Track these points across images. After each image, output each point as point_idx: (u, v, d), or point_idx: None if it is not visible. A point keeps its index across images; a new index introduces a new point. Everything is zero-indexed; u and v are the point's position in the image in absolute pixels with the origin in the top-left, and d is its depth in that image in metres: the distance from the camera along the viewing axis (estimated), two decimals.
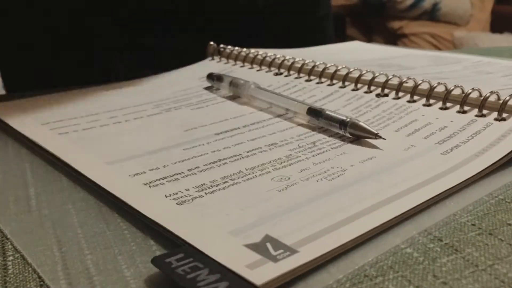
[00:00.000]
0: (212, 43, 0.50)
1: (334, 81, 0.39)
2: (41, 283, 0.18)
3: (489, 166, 0.25)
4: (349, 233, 0.19)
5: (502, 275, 0.17)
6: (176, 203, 0.22)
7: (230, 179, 0.24)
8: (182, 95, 0.40)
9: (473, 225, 0.20)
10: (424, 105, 0.33)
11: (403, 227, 0.20)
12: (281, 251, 0.18)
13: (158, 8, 0.55)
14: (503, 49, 0.62)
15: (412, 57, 0.51)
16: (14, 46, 0.56)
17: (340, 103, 0.35)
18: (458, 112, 0.31)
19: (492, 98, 0.30)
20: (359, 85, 0.37)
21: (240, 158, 0.27)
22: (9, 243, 0.20)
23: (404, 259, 0.18)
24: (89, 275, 0.18)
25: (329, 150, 0.27)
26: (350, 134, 0.29)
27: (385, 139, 0.28)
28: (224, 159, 0.27)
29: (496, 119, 0.29)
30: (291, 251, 0.18)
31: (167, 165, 0.26)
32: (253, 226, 0.20)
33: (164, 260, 0.18)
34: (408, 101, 0.34)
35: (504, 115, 0.29)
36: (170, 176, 0.25)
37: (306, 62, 0.41)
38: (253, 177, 0.24)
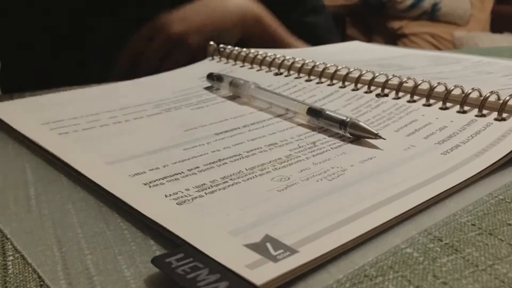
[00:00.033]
0: (212, 43, 0.50)
1: (334, 81, 0.39)
2: (41, 283, 0.18)
3: (489, 166, 0.25)
4: (349, 233, 0.19)
5: (502, 275, 0.17)
6: (176, 203, 0.22)
7: (230, 179, 0.24)
8: (182, 95, 0.40)
9: (473, 225, 0.20)
10: (424, 105, 0.33)
11: (403, 227, 0.20)
12: (281, 251, 0.18)
13: (158, 8, 0.55)
14: (503, 49, 0.62)
15: (412, 57, 0.51)
16: (14, 46, 0.56)
17: (340, 103, 0.35)
18: (458, 112, 0.31)
19: (492, 98, 0.30)
20: (359, 85, 0.37)
21: (240, 158, 0.27)
22: (9, 243, 0.20)
23: (404, 259, 0.18)
24: (89, 275, 0.18)
25: (329, 150, 0.27)
26: (350, 134, 0.29)
27: (385, 139, 0.28)
28: (224, 159, 0.27)
29: (496, 119, 0.29)
30: (291, 251, 0.18)
31: (167, 165, 0.26)
32: (253, 226, 0.20)
33: (164, 260, 0.18)
34: (408, 101, 0.34)
35: (504, 115, 0.29)
36: (170, 176, 0.25)
37: (306, 62, 0.41)
38: (253, 177, 0.24)
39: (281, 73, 0.43)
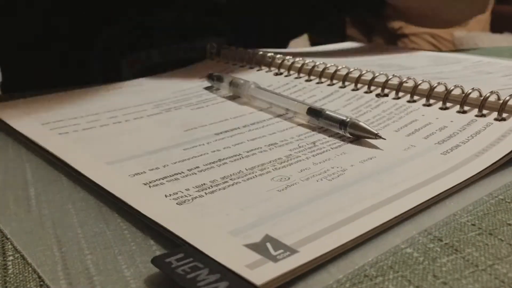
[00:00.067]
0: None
1: (334, 81, 0.39)
2: (41, 283, 0.18)
3: (489, 166, 0.25)
4: (349, 233, 0.19)
5: (502, 275, 0.17)
6: (176, 203, 0.22)
7: (230, 179, 0.24)
8: (182, 95, 0.40)
9: (473, 225, 0.20)
10: (424, 105, 0.33)
11: (403, 227, 0.20)
12: (281, 251, 0.18)
13: (158, 9, 0.55)
14: (503, 49, 0.62)
15: (412, 57, 0.51)
16: (14, 46, 0.56)
17: (340, 103, 0.35)
18: (458, 112, 0.31)
19: (492, 98, 0.30)
20: (359, 85, 0.37)
21: (240, 158, 0.27)
22: (9, 243, 0.20)
23: (404, 259, 0.18)
24: (89, 275, 0.18)
25: (329, 150, 0.27)
26: (350, 134, 0.29)
27: (385, 139, 0.28)
28: (224, 159, 0.27)
29: (496, 119, 0.29)
30: (291, 251, 0.18)
31: (167, 165, 0.26)
32: (253, 226, 0.20)
33: (164, 260, 0.18)
34: (408, 101, 0.34)
35: (504, 115, 0.29)
36: (170, 176, 0.25)
37: (306, 62, 0.41)
38: (253, 177, 0.24)
39: (281, 73, 0.43)
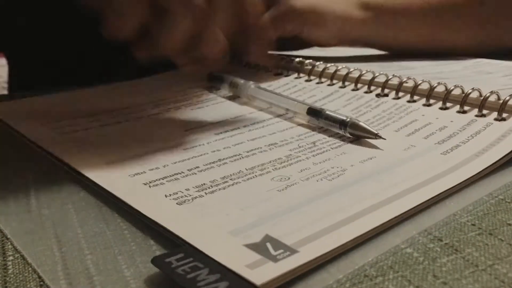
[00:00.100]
0: None
1: (334, 81, 0.39)
2: (41, 283, 0.18)
3: (489, 166, 0.25)
4: (349, 233, 0.19)
5: (502, 275, 0.17)
6: (176, 203, 0.22)
7: (230, 179, 0.24)
8: (182, 95, 0.40)
9: (473, 225, 0.20)
10: (424, 105, 0.33)
11: (403, 227, 0.20)
12: (281, 251, 0.18)
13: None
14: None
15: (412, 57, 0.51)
16: (20, 47, 0.56)
17: (340, 103, 0.35)
18: (458, 112, 0.31)
19: (492, 98, 0.30)
20: (359, 85, 0.37)
21: (240, 158, 0.27)
22: (9, 243, 0.20)
23: (404, 259, 0.18)
24: (89, 275, 0.18)
25: (329, 150, 0.27)
26: (350, 134, 0.29)
27: (385, 139, 0.28)
28: (224, 159, 0.27)
29: (496, 119, 0.29)
30: (291, 251, 0.18)
31: (167, 165, 0.26)
32: (253, 226, 0.20)
33: (164, 260, 0.18)
34: (408, 101, 0.34)
35: (504, 115, 0.29)
36: (170, 176, 0.25)
37: (306, 62, 0.41)
38: (253, 177, 0.24)
39: (281, 73, 0.43)
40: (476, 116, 0.30)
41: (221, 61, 0.35)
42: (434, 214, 0.21)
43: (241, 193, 0.23)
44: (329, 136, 0.30)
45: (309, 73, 0.40)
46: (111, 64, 0.53)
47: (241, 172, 0.25)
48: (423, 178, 0.23)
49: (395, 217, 0.20)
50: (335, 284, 0.17)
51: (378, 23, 0.46)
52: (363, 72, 0.37)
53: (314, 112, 0.31)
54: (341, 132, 0.29)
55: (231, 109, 0.36)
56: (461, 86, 0.32)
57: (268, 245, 0.18)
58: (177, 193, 0.23)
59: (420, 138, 0.28)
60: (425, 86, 0.33)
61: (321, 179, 0.24)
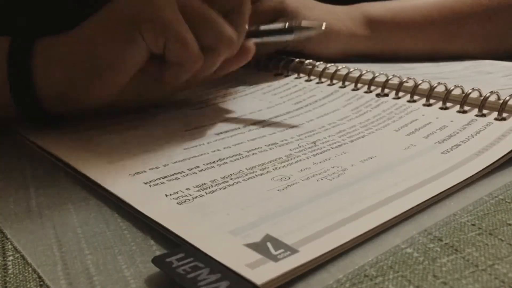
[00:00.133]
0: None
1: (334, 81, 0.39)
2: (41, 283, 0.18)
3: (489, 165, 0.25)
4: (349, 233, 0.19)
5: (502, 275, 0.17)
6: (177, 203, 0.22)
7: (231, 179, 0.24)
8: (182, 95, 0.40)
9: (473, 225, 0.20)
10: (424, 105, 0.33)
11: (403, 227, 0.20)
12: (282, 250, 0.18)
13: None
14: None
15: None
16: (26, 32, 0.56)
17: (340, 103, 0.35)
18: (458, 112, 0.31)
19: (492, 98, 0.30)
20: (359, 85, 0.37)
21: (240, 158, 0.27)
22: (9, 243, 0.20)
23: (404, 259, 0.18)
24: (89, 275, 0.18)
25: (330, 149, 0.27)
26: (296, 36, 0.29)
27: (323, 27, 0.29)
28: (224, 158, 0.27)
29: (496, 119, 0.29)
30: (292, 250, 0.18)
31: (167, 164, 0.26)
32: (254, 225, 0.20)
33: (164, 259, 0.18)
34: (408, 101, 0.34)
35: (504, 114, 0.29)
36: (170, 175, 0.25)
37: (306, 62, 0.41)
38: (254, 176, 0.24)
39: (281, 73, 0.43)
40: (476, 115, 0.30)
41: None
42: (434, 214, 0.21)
43: (241, 192, 0.23)
44: (329, 136, 0.30)
45: (309, 73, 0.40)
46: None
47: (242, 172, 0.25)
48: (423, 178, 0.23)
49: (395, 217, 0.20)
50: (335, 284, 0.17)
51: (382, 38, 0.47)
52: (363, 72, 0.37)
53: (252, 34, 0.31)
54: (285, 38, 0.30)
55: (231, 109, 0.36)
56: (461, 86, 0.32)
57: (269, 244, 0.18)
58: (177, 193, 0.23)
59: (420, 138, 0.28)
60: (425, 86, 0.33)
61: (322, 179, 0.24)
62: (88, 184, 0.25)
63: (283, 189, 0.23)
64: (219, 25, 0.30)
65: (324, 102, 0.36)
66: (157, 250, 0.19)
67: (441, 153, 0.26)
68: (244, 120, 0.33)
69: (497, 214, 0.21)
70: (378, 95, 0.35)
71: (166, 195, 0.23)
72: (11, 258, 0.19)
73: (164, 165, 0.26)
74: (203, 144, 0.29)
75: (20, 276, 0.18)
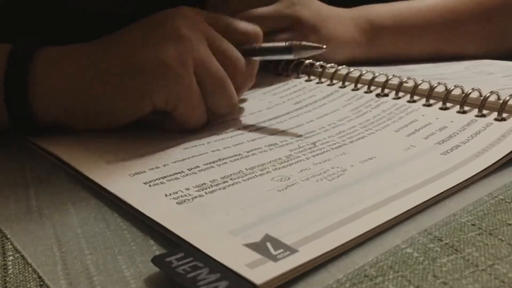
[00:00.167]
0: None
1: (334, 81, 0.39)
2: (41, 283, 0.18)
3: (489, 166, 0.25)
4: (349, 233, 0.19)
5: (502, 275, 0.17)
6: (176, 203, 0.22)
7: (230, 179, 0.24)
8: None
9: (473, 225, 0.20)
10: (424, 105, 0.33)
11: (403, 227, 0.20)
12: (281, 250, 0.18)
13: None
14: None
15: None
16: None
17: (340, 103, 0.35)
18: (458, 112, 0.31)
19: (492, 98, 0.30)
20: (359, 85, 0.37)
21: (240, 158, 0.27)
22: (9, 243, 0.20)
23: (404, 259, 0.18)
24: (89, 275, 0.18)
25: (329, 150, 0.27)
26: (295, 56, 0.30)
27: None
28: (224, 158, 0.27)
29: (496, 119, 0.29)
30: (291, 250, 0.18)
31: (167, 164, 0.26)
32: (253, 225, 0.20)
33: (164, 259, 0.18)
34: (408, 101, 0.34)
35: (504, 115, 0.29)
36: (170, 175, 0.25)
37: (306, 62, 0.41)
38: (253, 177, 0.24)
39: (281, 74, 0.43)
40: (476, 116, 0.30)
41: None
42: (434, 214, 0.21)
43: (241, 193, 0.23)
44: (329, 137, 0.30)
45: (309, 73, 0.40)
46: None
47: (241, 172, 0.25)
48: (423, 178, 0.23)
49: (395, 217, 0.20)
50: (335, 284, 0.17)
51: (385, 44, 0.47)
52: (363, 72, 0.37)
53: (248, 53, 0.32)
54: (285, 56, 0.30)
55: None
56: (461, 86, 0.32)
57: (268, 244, 0.18)
58: (177, 193, 0.23)
59: (420, 138, 0.28)
60: (425, 86, 0.33)
61: (321, 179, 0.24)
62: (88, 184, 0.25)
63: (282, 190, 0.23)
64: (230, 95, 0.31)
65: (324, 102, 0.36)
66: (157, 250, 0.19)
67: (441, 154, 0.26)
68: (244, 121, 0.33)
69: (497, 214, 0.21)
70: (378, 95, 0.35)
71: (166, 195, 0.23)
72: (11, 258, 0.19)
73: (164, 165, 0.26)
74: (203, 144, 0.29)
75: (20, 276, 0.18)
